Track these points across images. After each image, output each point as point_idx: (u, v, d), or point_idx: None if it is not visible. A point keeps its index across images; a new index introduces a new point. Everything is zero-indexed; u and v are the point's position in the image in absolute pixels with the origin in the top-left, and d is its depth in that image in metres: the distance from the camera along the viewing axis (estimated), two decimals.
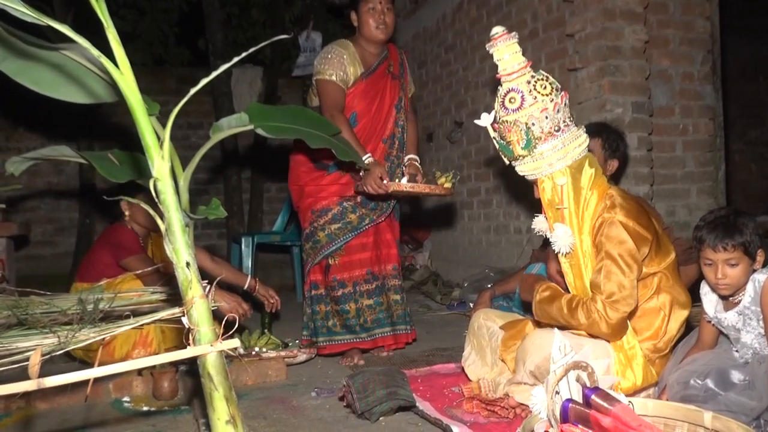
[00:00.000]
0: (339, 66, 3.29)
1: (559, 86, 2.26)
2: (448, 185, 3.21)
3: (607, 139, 2.98)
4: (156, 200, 1.41)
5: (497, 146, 2.32)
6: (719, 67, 4.36)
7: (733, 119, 7.51)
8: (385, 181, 3.09)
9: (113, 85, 1.46)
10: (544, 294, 2.32)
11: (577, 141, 2.23)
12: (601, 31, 3.86)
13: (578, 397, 1.75)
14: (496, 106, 2.26)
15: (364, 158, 3.12)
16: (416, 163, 3.45)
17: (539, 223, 2.38)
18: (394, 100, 3.46)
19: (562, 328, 2.23)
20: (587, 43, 3.95)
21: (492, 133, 2.32)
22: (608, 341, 2.24)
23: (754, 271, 2.14)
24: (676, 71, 4.20)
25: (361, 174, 3.19)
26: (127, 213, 3.43)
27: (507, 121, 2.21)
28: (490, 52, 2.27)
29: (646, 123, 3.96)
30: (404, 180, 3.27)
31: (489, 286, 3.99)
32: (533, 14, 4.61)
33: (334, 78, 3.28)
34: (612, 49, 3.86)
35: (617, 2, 3.86)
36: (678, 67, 4.20)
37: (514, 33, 2.26)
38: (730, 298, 2.20)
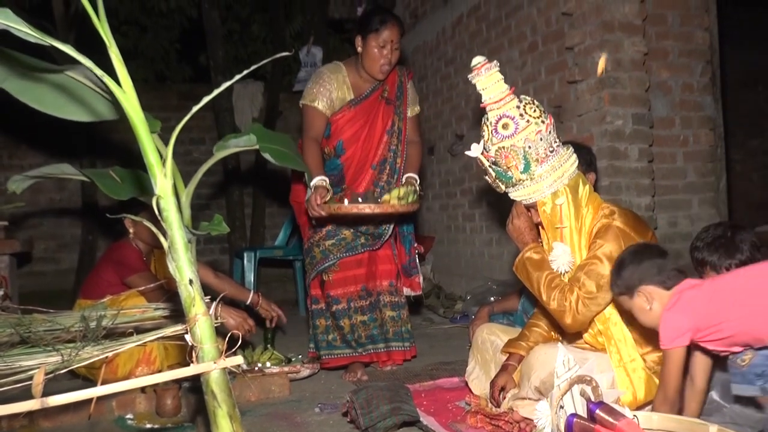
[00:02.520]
0: (325, 93, 3.29)
1: (544, 109, 2.28)
2: (393, 202, 3.08)
3: (579, 154, 2.98)
4: (159, 217, 1.42)
5: (493, 175, 2.30)
6: (719, 77, 4.37)
7: (733, 129, 7.51)
8: (321, 204, 3.00)
9: (115, 104, 1.46)
10: (534, 256, 2.34)
11: (570, 160, 2.27)
12: (601, 44, 3.87)
13: (583, 411, 1.74)
14: (486, 134, 2.26)
15: (312, 182, 3.06)
16: (413, 181, 3.33)
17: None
18: (387, 125, 3.40)
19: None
20: (587, 56, 3.97)
21: (485, 163, 2.30)
22: (565, 330, 2.28)
23: None
24: (675, 82, 4.21)
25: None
26: (131, 230, 3.43)
27: (504, 147, 2.21)
28: (473, 82, 2.29)
29: (646, 134, 3.97)
30: (346, 202, 3.14)
31: (492, 299, 3.99)
32: (532, 27, 4.63)
33: (316, 104, 3.28)
34: (611, 61, 3.87)
35: (616, 15, 3.88)
36: (678, 78, 4.21)
37: (495, 62, 2.28)
38: None
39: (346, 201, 3.16)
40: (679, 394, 1.97)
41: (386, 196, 3.14)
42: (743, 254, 2.07)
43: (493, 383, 2.46)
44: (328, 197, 3.05)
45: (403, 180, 3.37)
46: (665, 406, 1.93)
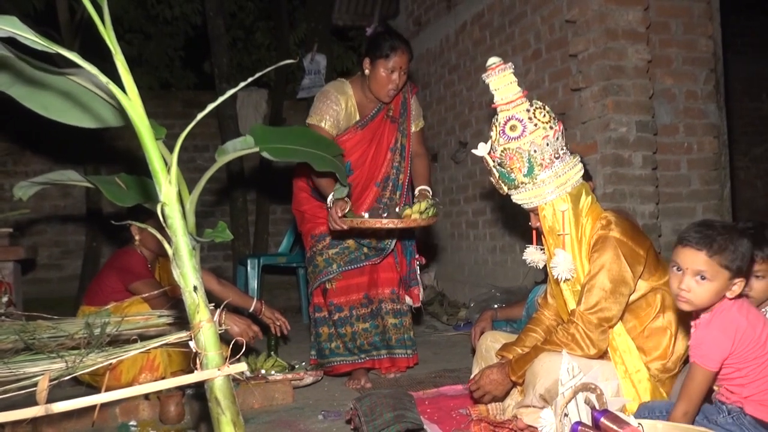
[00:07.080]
0: (333, 114, 3.24)
1: (554, 115, 2.28)
2: (415, 216, 3.09)
3: None
4: (163, 224, 1.42)
5: (497, 175, 2.31)
6: (722, 85, 4.37)
7: (737, 137, 7.52)
8: (342, 215, 2.99)
9: (120, 110, 1.47)
10: (517, 359, 2.33)
11: (575, 169, 2.27)
12: (604, 51, 3.87)
13: (587, 419, 1.73)
14: (494, 135, 2.27)
15: (330, 196, 3.03)
16: (426, 193, 3.35)
17: (531, 255, 2.41)
18: (391, 143, 3.40)
19: None
20: (590, 63, 3.97)
21: (491, 163, 2.31)
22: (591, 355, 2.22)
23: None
24: (679, 90, 4.21)
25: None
26: (137, 237, 3.43)
27: (509, 149, 2.22)
28: (486, 82, 2.29)
29: (650, 142, 3.97)
30: (366, 216, 3.13)
31: (495, 306, 3.97)
32: (536, 35, 4.64)
33: (323, 125, 3.23)
34: (615, 68, 3.88)
35: (619, 22, 3.89)
36: (681, 85, 4.21)
37: (510, 64, 2.28)
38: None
39: (365, 215, 3.14)
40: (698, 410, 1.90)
41: (408, 210, 3.14)
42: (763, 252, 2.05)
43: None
44: (347, 209, 3.03)
45: (416, 193, 3.39)
46: (685, 419, 1.84)
